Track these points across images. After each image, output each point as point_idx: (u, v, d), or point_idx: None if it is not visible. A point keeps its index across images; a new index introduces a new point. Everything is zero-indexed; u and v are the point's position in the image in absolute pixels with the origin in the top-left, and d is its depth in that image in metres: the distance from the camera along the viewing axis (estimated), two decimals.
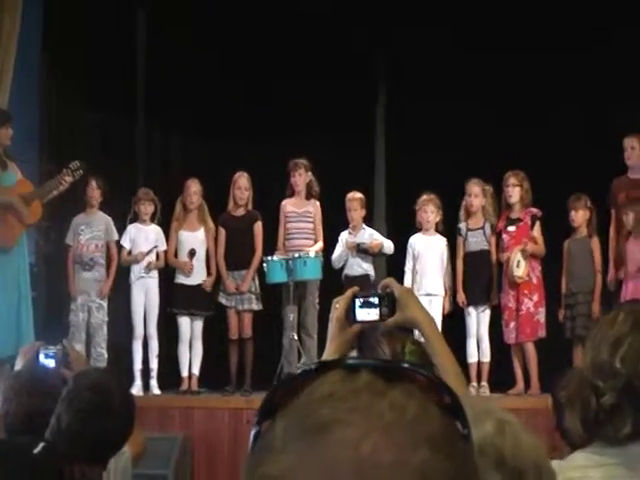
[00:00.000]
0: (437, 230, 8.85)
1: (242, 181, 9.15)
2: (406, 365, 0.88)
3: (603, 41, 9.06)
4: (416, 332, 2.71)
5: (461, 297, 8.67)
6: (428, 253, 8.74)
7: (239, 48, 9.92)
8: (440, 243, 8.81)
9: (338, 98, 9.66)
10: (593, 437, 2.18)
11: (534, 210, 8.61)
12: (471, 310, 8.65)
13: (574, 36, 9.22)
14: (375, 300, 2.48)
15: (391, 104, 10.22)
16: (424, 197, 8.79)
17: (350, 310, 2.50)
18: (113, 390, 3.10)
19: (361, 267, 8.88)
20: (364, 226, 9.03)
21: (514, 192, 8.62)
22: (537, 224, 8.59)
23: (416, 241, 8.83)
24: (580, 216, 8.50)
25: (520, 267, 8.37)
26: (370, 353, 2.82)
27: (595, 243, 8.51)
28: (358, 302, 2.50)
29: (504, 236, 8.65)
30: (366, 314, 2.49)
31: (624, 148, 8.42)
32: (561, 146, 9.08)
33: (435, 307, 8.48)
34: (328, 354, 2.52)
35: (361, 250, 8.86)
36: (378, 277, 8.86)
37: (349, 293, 2.53)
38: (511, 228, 8.64)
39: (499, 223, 8.73)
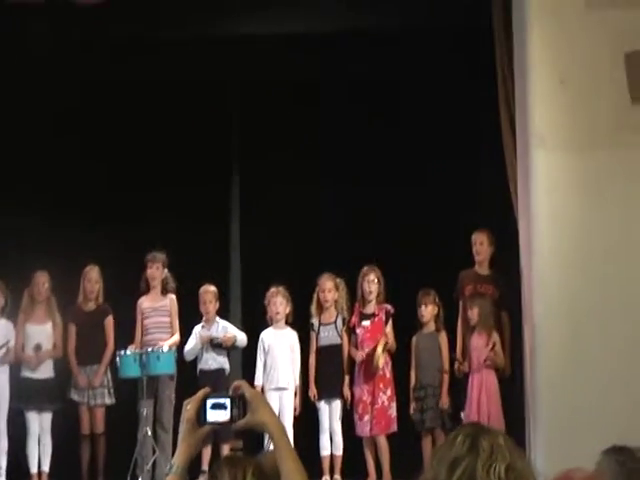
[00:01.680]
0: (287, 322, 8.87)
1: (92, 274, 9.08)
2: None
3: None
4: (263, 456, 2.76)
5: (312, 391, 8.67)
6: (278, 346, 8.73)
7: (97, 133, 9.80)
8: (291, 336, 8.81)
9: (191, 187, 9.64)
10: None
11: (388, 306, 8.71)
12: (323, 404, 8.66)
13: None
14: (226, 402, 2.53)
15: (245, 194, 10.20)
16: (272, 289, 8.82)
17: (201, 411, 2.54)
18: None
19: (216, 361, 8.86)
20: (218, 319, 9.03)
21: (373, 288, 8.71)
22: (390, 320, 8.70)
23: (266, 335, 8.82)
24: (429, 311, 8.65)
25: (379, 358, 8.47)
26: None
27: (443, 338, 8.66)
28: (209, 403, 2.54)
29: (358, 330, 8.71)
30: (217, 415, 2.53)
31: (473, 242, 8.57)
32: (406, 240, 9.16)
33: (287, 400, 8.52)
34: (178, 454, 2.56)
35: (215, 345, 8.86)
36: (233, 371, 8.87)
37: (200, 394, 2.57)
38: (365, 323, 8.71)
39: (353, 318, 8.79)
